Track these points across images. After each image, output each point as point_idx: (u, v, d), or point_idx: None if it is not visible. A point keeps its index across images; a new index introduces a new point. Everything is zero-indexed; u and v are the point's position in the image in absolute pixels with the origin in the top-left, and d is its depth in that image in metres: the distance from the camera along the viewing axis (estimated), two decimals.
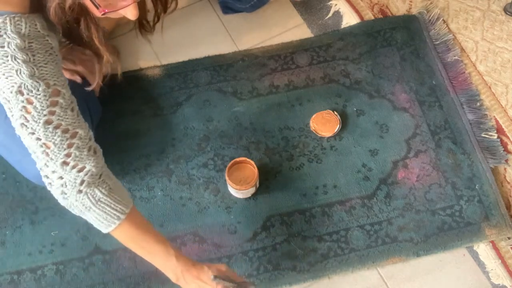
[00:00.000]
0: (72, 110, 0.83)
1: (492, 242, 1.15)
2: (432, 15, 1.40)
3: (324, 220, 1.16)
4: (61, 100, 0.81)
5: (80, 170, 0.82)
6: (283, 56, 1.35)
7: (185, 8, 1.42)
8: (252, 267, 1.12)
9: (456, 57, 1.35)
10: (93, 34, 0.87)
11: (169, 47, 1.36)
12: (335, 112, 1.26)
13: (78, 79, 1.06)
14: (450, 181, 1.20)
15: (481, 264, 1.14)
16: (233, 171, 1.15)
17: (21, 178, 1.13)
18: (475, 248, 1.15)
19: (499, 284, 1.12)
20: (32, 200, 1.17)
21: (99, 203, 0.84)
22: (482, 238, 1.14)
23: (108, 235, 1.12)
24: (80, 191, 0.82)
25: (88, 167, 0.82)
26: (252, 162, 1.15)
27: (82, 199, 0.83)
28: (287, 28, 1.40)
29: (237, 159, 1.15)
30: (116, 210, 0.85)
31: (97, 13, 0.80)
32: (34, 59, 0.78)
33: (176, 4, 1.00)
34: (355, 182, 1.20)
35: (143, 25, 1.01)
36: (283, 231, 1.15)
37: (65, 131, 0.81)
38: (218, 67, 1.33)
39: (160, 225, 1.15)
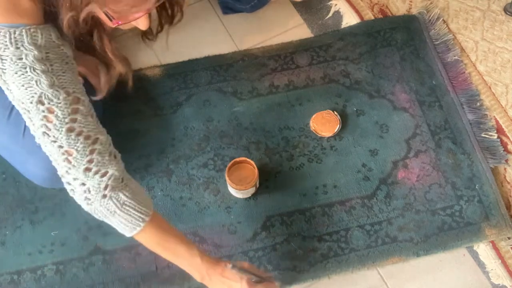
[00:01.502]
0: (92, 116, 0.84)
1: (492, 242, 1.15)
2: (432, 15, 1.40)
3: (324, 220, 1.16)
4: (81, 107, 0.82)
5: (103, 175, 0.82)
6: (283, 56, 1.35)
7: (185, 8, 1.41)
8: None
9: (456, 57, 1.35)
10: (106, 45, 0.88)
11: (169, 47, 1.35)
12: (335, 112, 1.26)
13: (79, 80, 1.06)
14: (450, 181, 1.20)
15: (481, 264, 1.14)
16: (233, 171, 1.15)
17: (21, 178, 1.13)
18: (475, 248, 1.15)
19: (499, 284, 1.12)
20: (32, 200, 1.17)
21: (124, 206, 0.84)
22: (482, 238, 1.14)
23: (108, 235, 1.13)
24: (104, 196, 0.82)
25: (110, 172, 0.83)
26: (252, 162, 1.14)
27: (107, 203, 0.83)
28: (287, 28, 1.40)
29: (237, 159, 1.15)
30: (140, 212, 0.85)
31: (110, 24, 0.81)
32: (52, 69, 0.79)
33: (182, 15, 1.00)
34: (355, 182, 1.20)
35: (146, 32, 1.01)
36: (283, 231, 1.15)
37: (87, 137, 0.82)
38: (218, 67, 1.33)
39: None
